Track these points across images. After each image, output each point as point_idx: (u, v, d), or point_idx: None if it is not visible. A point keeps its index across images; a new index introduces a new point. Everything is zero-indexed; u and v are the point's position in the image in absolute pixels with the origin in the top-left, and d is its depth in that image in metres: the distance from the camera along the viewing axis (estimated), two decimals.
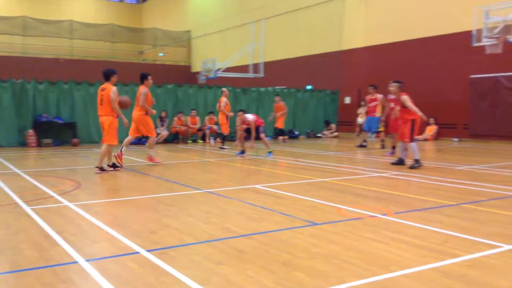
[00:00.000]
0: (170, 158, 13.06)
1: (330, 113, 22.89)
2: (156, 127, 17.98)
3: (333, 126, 22.11)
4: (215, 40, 33.66)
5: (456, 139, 18.48)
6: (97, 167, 9.38)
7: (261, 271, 3.66)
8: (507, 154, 13.09)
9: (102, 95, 9.34)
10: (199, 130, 18.67)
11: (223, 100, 15.44)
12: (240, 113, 12.98)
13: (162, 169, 10.18)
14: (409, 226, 5.08)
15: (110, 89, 9.27)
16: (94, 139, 17.05)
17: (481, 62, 17.30)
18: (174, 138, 18.44)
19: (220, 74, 25.13)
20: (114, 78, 9.52)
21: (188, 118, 18.57)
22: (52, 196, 6.85)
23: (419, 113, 9.94)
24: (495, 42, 14.12)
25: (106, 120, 9.35)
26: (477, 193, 7.08)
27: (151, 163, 10.83)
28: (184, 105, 19.17)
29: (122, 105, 9.65)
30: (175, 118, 18.40)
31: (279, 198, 6.70)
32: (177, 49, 37.44)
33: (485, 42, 14.37)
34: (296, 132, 21.26)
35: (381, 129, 15.33)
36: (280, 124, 18.26)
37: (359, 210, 5.83)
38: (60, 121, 16.53)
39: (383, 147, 14.83)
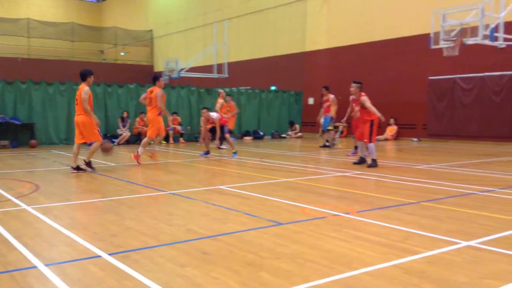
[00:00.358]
0: (132, 160, 12.83)
1: (294, 113, 23.11)
2: (117, 127, 17.72)
3: (297, 126, 22.32)
4: (178, 40, 33.36)
5: (415, 139, 18.98)
6: (85, 161, 9.59)
7: (226, 272, 3.64)
8: (463, 154, 13.54)
9: (77, 94, 9.50)
10: None
11: (219, 101, 15.39)
12: (204, 110, 12.87)
13: (124, 171, 10.00)
14: (371, 224, 5.17)
15: (82, 89, 9.35)
16: (53, 141, 16.60)
17: (439, 64, 17.83)
18: (136, 139, 18.12)
19: (184, 74, 24.90)
20: (90, 79, 9.61)
21: None
22: (9, 199, 6.61)
23: (378, 114, 10.21)
24: (452, 45, 14.56)
25: (80, 119, 9.45)
26: (436, 192, 7.29)
27: (135, 160, 10.93)
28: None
29: (105, 150, 10.11)
30: (137, 119, 18.11)
31: (244, 199, 6.70)
32: (139, 48, 36.87)
33: (442, 44, 14.79)
34: (261, 133, 21.34)
35: (330, 127, 15.57)
36: (230, 125, 18.23)
37: (322, 210, 5.89)
38: (17, 122, 15.98)
39: (324, 145, 15.46)
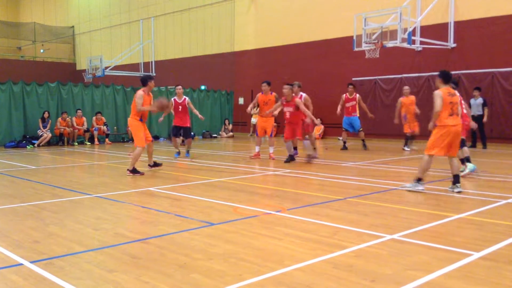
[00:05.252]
0: (54, 162, 12.23)
1: (225, 113, 23.16)
2: (38, 128, 16.79)
3: (230, 126, 22.49)
4: (102, 37, 32.21)
5: (340, 138, 19.62)
6: (128, 169, 9.19)
7: (157, 276, 3.56)
8: (385, 151, 14.21)
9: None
10: (86, 131, 17.71)
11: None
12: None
13: (44, 174, 9.51)
14: (301, 221, 5.29)
15: (137, 93, 9.33)
16: None
17: (361, 66, 18.59)
18: (58, 140, 17.31)
19: (108, 72, 24.15)
20: (151, 83, 9.50)
21: (74, 118, 17.52)
22: None
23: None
24: (373, 47, 15.24)
25: (128, 121, 9.75)
26: (361, 188, 7.59)
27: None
28: (69, 105, 18.10)
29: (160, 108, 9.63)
30: (59, 119, 17.27)
31: (175, 200, 6.59)
32: (59, 45, 35.18)
33: (364, 47, 15.44)
34: (192, 133, 21.10)
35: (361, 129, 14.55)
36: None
37: (254, 208, 5.93)
38: None
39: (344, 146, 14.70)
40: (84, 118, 17.71)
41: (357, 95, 14.46)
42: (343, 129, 14.72)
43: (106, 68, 24.15)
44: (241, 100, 23.60)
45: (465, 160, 8.74)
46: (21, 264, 3.83)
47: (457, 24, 16.53)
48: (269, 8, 22.34)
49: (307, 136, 11.85)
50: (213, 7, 24.88)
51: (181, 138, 13.04)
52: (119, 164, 11.22)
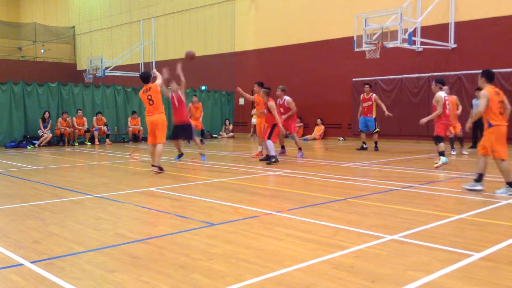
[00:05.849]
0: (55, 162, 12.24)
1: (226, 113, 23.16)
2: (38, 129, 16.80)
3: (231, 126, 22.49)
4: (102, 37, 32.23)
5: (341, 138, 19.65)
6: (153, 165, 9.34)
7: (157, 276, 3.56)
8: (385, 152, 14.20)
9: (149, 95, 9.40)
10: (86, 131, 17.71)
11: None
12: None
13: (45, 174, 9.51)
14: (301, 221, 5.29)
15: (157, 85, 9.49)
16: None
17: (362, 66, 18.58)
18: (59, 141, 17.31)
19: (109, 72, 24.17)
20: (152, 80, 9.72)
21: (74, 119, 17.53)
22: None
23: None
24: (373, 48, 15.23)
25: (161, 118, 9.39)
26: (361, 188, 7.59)
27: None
28: (70, 105, 18.11)
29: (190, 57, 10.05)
30: (60, 119, 17.27)
31: (175, 200, 6.59)
32: (60, 45, 35.18)
33: (365, 47, 15.44)
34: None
35: (377, 129, 14.35)
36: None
37: (255, 209, 5.93)
38: None
39: (362, 147, 14.50)
40: (84, 118, 17.71)
41: (374, 94, 14.37)
42: (360, 131, 14.58)
43: (107, 68, 24.17)
44: (241, 101, 23.60)
45: (439, 154, 9.94)
46: (22, 264, 3.83)
47: (458, 24, 16.53)
48: (269, 9, 22.35)
49: (294, 134, 12.22)
50: (214, 7, 24.89)
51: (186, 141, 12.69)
52: (120, 164, 11.23)
